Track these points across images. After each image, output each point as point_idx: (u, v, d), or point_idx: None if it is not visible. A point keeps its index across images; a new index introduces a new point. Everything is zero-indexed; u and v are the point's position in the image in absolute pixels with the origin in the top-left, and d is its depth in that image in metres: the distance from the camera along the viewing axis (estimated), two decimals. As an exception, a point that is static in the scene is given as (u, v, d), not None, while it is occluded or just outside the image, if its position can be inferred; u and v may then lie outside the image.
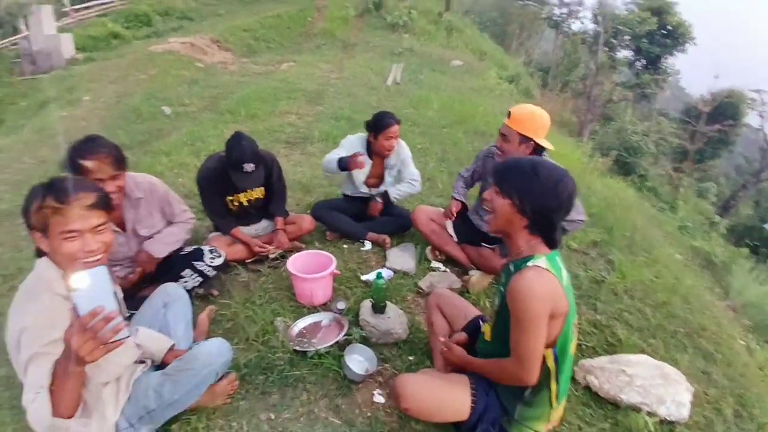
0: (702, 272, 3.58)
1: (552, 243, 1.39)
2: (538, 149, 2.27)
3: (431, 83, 8.88)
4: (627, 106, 14.64)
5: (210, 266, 2.29)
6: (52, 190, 1.23)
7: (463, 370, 1.61)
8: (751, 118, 13.35)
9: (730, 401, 1.92)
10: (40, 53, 9.53)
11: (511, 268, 1.40)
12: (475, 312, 1.88)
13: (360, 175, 2.97)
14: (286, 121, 5.86)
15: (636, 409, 1.77)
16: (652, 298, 2.57)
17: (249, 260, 2.68)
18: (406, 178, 2.98)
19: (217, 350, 1.59)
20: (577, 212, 2.26)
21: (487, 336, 1.58)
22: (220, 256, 2.34)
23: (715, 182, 14.07)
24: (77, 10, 12.96)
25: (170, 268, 2.22)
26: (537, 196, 1.32)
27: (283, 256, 2.76)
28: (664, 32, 13.63)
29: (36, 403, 1.09)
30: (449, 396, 1.50)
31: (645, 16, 13.26)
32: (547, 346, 1.37)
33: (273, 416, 1.73)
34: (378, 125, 2.80)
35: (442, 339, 1.75)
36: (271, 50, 12.08)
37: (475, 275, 2.57)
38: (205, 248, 2.33)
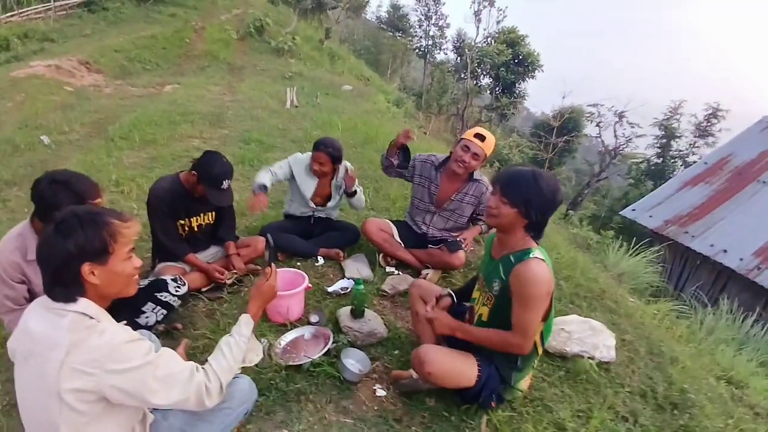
0: (584, 252, 4.45)
1: (540, 237, 1.72)
2: None
3: (329, 106, 9.18)
4: (492, 125, 16.95)
5: (175, 295, 2.17)
6: (112, 214, 1.19)
7: (457, 341, 1.85)
8: (589, 129, 16.67)
9: (642, 343, 2.51)
10: None
11: (512, 259, 1.68)
12: (450, 299, 2.15)
13: (307, 194, 3.08)
14: (190, 145, 5.56)
15: (579, 357, 2.22)
16: (561, 274, 3.16)
17: (205, 288, 2.57)
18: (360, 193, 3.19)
19: (248, 387, 1.58)
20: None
21: (485, 317, 1.83)
22: (184, 285, 2.23)
23: (563, 184, 17.05)
24: None
25: (128, 303, 2.05)
26: (539, 204, 1.62)
27: (240, 281, 2.72)
28: (517, 61, 16.30)
29: (210, 375, 1.28)
30: (462, 364, 1.75)
31: (501, 48, 15.78)
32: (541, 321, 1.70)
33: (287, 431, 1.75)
34: (313, 147, 2.97)
35: (428, 308, 1.91)
36: (148, 72, 11.17)
37: (429, 273, 2.87)
38: (167, 277, 2.20)
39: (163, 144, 5.42)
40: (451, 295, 2.03)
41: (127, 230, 1.21)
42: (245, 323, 1.49)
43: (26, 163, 4.70)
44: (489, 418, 1.82)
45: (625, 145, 16.18)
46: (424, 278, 2.82)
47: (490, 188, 2.83)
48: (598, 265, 3.96)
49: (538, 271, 1.60)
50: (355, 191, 3.11)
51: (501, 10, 19.00)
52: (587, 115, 16.35)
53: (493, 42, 16.43)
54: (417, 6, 24.51)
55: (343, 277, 2.85)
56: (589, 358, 2.22)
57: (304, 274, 2.45)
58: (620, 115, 15.79)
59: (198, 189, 2.42)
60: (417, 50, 26.40)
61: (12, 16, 13.03)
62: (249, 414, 1.67)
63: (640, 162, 15.60)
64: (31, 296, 1.81)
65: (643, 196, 10.08)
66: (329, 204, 3.17)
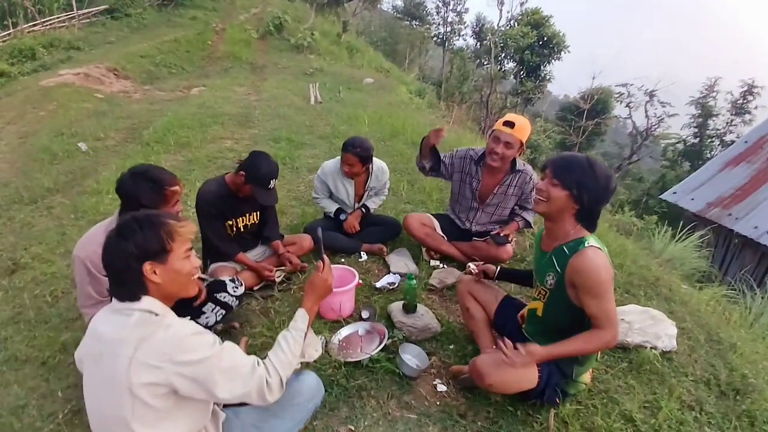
0: (630, 239, 4.32)
1: (593, 228, 1.68)
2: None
3: (352, 101, 9.17)
4: (517, 111, 16.58)
5: (234, 296, 2.22)
6: (167, 215, 1.24)
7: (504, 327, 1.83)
8: (618, 110, 16.12)
9: (701, 330, 2.43)
10: None
11: (565, 250, 1.64)
12: (502, 293, 2.13)
13: (347, 199, 3.10)
14: (223, 146, 5.65)
15: (641, 347, 2.16)
16: (612, 262, 3.06)
17: (256, 287, 2.62)
18: (380, 193, 3.25)
19: (316, 384, 1.62)
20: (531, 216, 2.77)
21: (539, 312, 1.81)
22: (241, 285, 2.27)
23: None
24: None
25: (190, 305, 2.11)
26: (593, 189, 1.58)
27: (288, 279, 2.76)
28: (542, 43, 15.84)
29: (270, 370, 1.30)
30: (521, 370, 1.71)
31: (526, 30, 15.34)
32: None
33: (353, 428, 1.77)
34: (342, 148, 2.94)
35: (506, 351, 1.63)
36: (174, 76, 11.41)
37: (477, 264, 2.83)
38: (225, 278, 2.25)
39: (197, 146, 5.52)
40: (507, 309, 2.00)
41: (183, 229, 1.25)
42: (301, 318, 1.49)
43: (66, 170, 4.86)
44: (556, 412, 1.79)
45: (656, 126, 15.56)
46: (470, 272, 2.79)
47: (535, 177, 2.77)
48: (645, 251, 3.83)
49: (598, 258, 1.55)
50: (366, 210, 3.14)
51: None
52: (616, 95, 15.77)
53: (516, 24, 16.00)
54: (435, -9, 24.07)
55: (389, 272, 2.86)
56: (651, 348, 2.15)
57: (354, 271, 2.47)
58: (651, 95, 15.18)
59: (244, 189, 2.45)
60: (435, 38, 25.97)
61: (35, 25, 13.42)
62: (317, 409, 1.69)
63: (676, 142, 14.96)
64: None
65: (680, 178, 9.70)
66: (363, 199, 3.17)
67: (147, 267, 1.18)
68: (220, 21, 16.76)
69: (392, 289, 2.67)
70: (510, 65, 17.34)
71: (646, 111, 15.20)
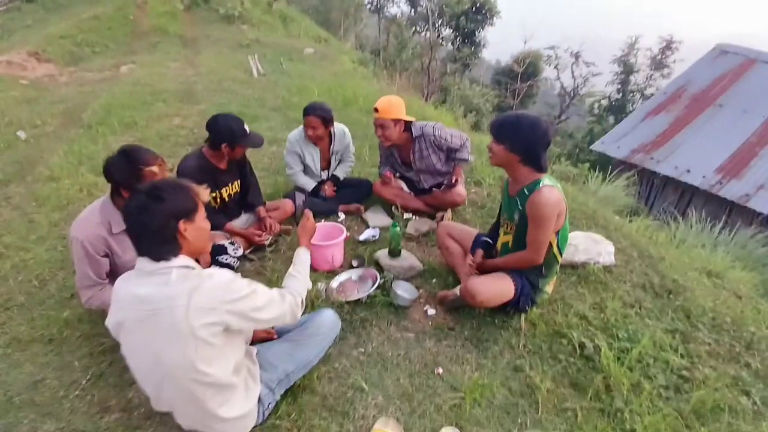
0: (568, 184, 4.89)
1: (543, 168, 2.01)
2: (407, 123, 2.93)
3: (297, 72, 9.05)
4: (456, 77, 17.05)
5: (234, 257, 2.38)
6: (192, 186, 1.42)
7: (487, 270, 2.20)
8: (547, 73, 17.10)
9: (633, 249, 2.94)
10: None
11: (526, 191, 1.98)
12: (475, 231, 2.48)
13: (314, 165, 3.27)
14: (173, 124, 5.50)
15: (586, 263, 2.63)
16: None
17: (248, 251, 2.78)
18: (346, 159, 3.46)
19: (334, 317, 1.88)
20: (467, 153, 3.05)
21: (510, 244, 2.17)
22: (240, 246, 2.44)
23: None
24: None
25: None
26: (522, 137, 1.92)
27: (276, 241, 2.94)
28: (475, 9, 16.25)
29: (294, 294, 1.61)
30: (502, 285, 2.08)
31: (460, -4, 15.64)
32: (554, 233, 2.02)
33: (363, 350, 2.06)
34: (303, 115, 3.10)
35: (469, 262, 2.28)
36: (98, 54, 10.49)
37: (443, 213, 3.17)
38: (224, 242, 2.39)
39: (144, 126, 5.34)
40: (488, 242, 2.34)
41: (203, 191, 1.44)
42: (303, 252, 1.82)
43: (11, 160, 4.54)
44: (526, 316, 2.19)
45: (582, 85, 16.72)
46: (442, 219, 3.13)
47: (440, 132, 2.98)
48: (582, 193, 4.39)
49: (549, 195, 1.91)
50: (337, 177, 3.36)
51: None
52: (545, 59, 16.71)
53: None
54: (364, -43, 23.55)
55: (368, 227, 3.12)
56: (595, 263, 2.62)
57: (342, 227, 2.70)
58: (576, 56, 16.23)
59: (233, 154, 2.55)
60: (369, 5, 25.62)
61: None
62: (337, 339, 1.96)
63: (601, 99, 16.22)
64: (112, 270, 1.97)
65: (606, 132, 10.66)
66: (331, 168, 3.39)
67: (181, 225, 1.35)
68: (139, -8, 15.41)
69: (374, 240, 2.94)
70: (446, 32, 17.68)
71: (572, 72, 16.30)
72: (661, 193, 8.05)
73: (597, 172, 5.51)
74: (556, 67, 16.53)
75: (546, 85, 19.83)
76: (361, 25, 30.51)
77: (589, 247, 2.69)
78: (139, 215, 1.31)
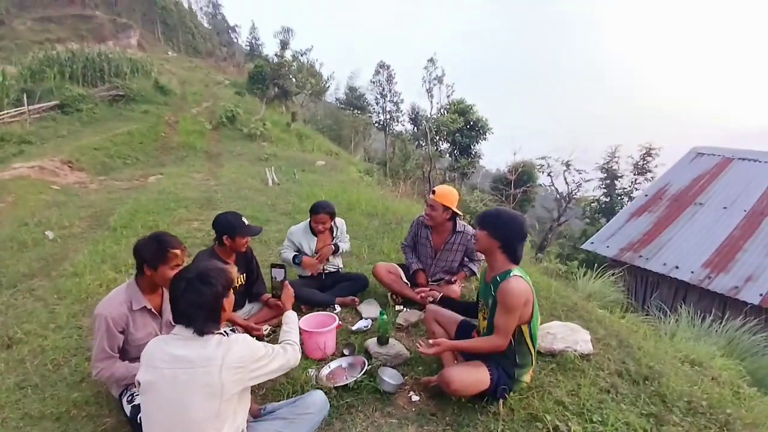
0: (555, 279, 5.10)
1: (516, 260, 2.32)
2: (455, 214, 3.44)
3: (308, 181, 9.95)
4: (455, 184, 18.32)
5: (233, 342, 2.59)
6: (228, 268, 1.81)
7: (452, 351, 2.42)
8: (542, 179, 18.41)
9: (613, 338, 3.08)
10: None
11: (498, 279, 2.26)
12: (460, 318, 2.70)
13: (310, 252, 3.64)
14: (191, 227, 6.01)
15: (564, 351, 2.77)
16: (539, 295, 3.74)
17: (247, 339, 2.98)
18: (343, 239, 3.82)
19: (323, 400, 2.05)
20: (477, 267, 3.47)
21: (483, 328, 2.39)
22: (235, 330, 2.65)
23: (528, 232, 18.21)
24: None
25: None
26: (502, 227, 2.27)
27: (274, 332, 3.15)
28: (469, 127, 18.22)
29: (294, 346, 1.96)
30: (477, 374, 2.25)
31: (454, 117, 17.76)
32: (524, 323, 2.24)
33: (346, 435, 2.16)
34: (311, 212, 3.59)
35: (424, 345, 2.38)
36: (129, 166, 11.73)
37: (430, 306, 3.39)
38: (226, 329, 2.62)
39: (165, 228, 5.83)
40: (473, 325, 2.59)
41: (234, 271, 1.83)
42: (290, 313, 2.23)
43: (37, 257, 4.98)
44: (504, 402, 2.30)
45: (576, 190, 17.78)
46: (432, 300, 3.32)
47: (472, 233, 3.50)
48: (569, 289, 4.61)
49: (517, 285, 2.18)
50: (337, 248, 3.69)
51: (449, 86, 21.68)
52: (538, 167, 18.15)
53: (446, 112, 18.42)
54: (372, 87, 27.08)
55: (361, 318, 3.33)
56: (572, 351, 2.77)
57: (335, 316, 2.94)
58: (567, 164, 17.56)
59: (235, 246, 2.91)
60: (376, 124, 28.61)
61: None
62: (325, 419, 2.08)
63: (591, 202, 17.19)
64: (123, 347, 2.19)
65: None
66: (331, 258, 3.73)
67: (225, 302, 1.69)
68: (172, 114, 17.60)
69: (366, 330, 3.14)
70: (445, 146, 19.56)
71: (565, 179, 17.52)
72: (655, 291, 8.15)
73: (587, 269, 5.76)
74: (549, 174, 17.84)
75: (543, 190, 21.03)
76: (369, 140, 33.63)
77: (566, 335, 2.86)
78: (191, 295, 1.62)
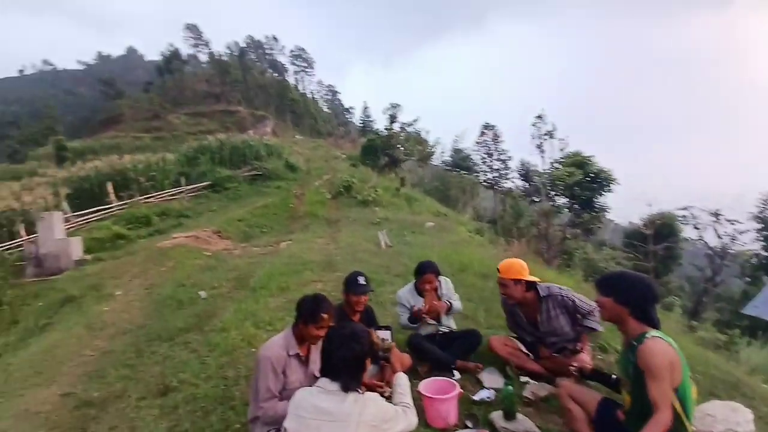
0: (714, 352, 4.20)
1: (651, 324, 2.03)
2: (530, 283, 3.15)
3: (418, 242, 10.14)
4: (578, 241, 16.83)
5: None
6: (371, 331, 2.01)
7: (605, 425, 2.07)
8: (688, 232, 15.94)
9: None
10: (48, 256, 9.98)
11: (634, 343, 2.00)
12: (599, 395, 2.37)
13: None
14: (316, 287, 6.46)
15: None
16: (696, 370, 3.14)
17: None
18: (454, 297, 3.75)
19: None
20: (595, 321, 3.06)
21: (627, 404, 2.07)
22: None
23: (675, 296, 15.54)
24: (77, 216, 14.01)
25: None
26: (628, 291, 2.04)
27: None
28: (589, 179, 17.00)
29: (410, 408, 2.01)
30: None
31: (571, 170, 16.77)
32: (672, 390, 1.89)
33: None
34: (416, 273, 3.65)
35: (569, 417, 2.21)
36: (264, 234, 13.35)
37: (564, 380, 3.03)
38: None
39: (294, 289, 6.39)
40: (617, 404, 2.26)
41: (374, 335, 1.92)
42: (401, 375, 2.26)
43: (192, 313, 5.82)
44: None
45: (731, 244, 14.91)
46: (571, 373, 2.97)
47: (568, 293, 3.17)
48: (730, 362, 3.79)
49: (655, 345, 1.90)
50: (450, 305, 3.58)
51: (562, 139, 20.88)
52: (680, 218, 15.81)
53: (560, 166, 17.56)
54: (478, 147, 27.44)
55: (483, 387, 3.13)
56: (734, 433, 2.23)
57: (454, 382, 2.81)
58: (716, 215, 15.00)
59: (348, 303, 3.08)
60: (484, 182, 28.47)
61: (149, 198, 16.73)
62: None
63: (750, 258, 14.12)
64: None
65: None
66: (444, 319, 3.65)
67: (367, 362, 1.85)
68: (299, 187, 19.94)
69: (489, 401, 2.92)
70: (562, 200, 18.39)
71: (715, 231, 14.85)
72: None
73: (750, 338, 4.66)
74: (696, 227, 15.37)
75: (690, 245, 18.12)
76: (477, 199, 33.44)
77: (727, 416, 2.40)
78: (343, 352, 1.82)
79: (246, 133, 35.60)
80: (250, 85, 64.89)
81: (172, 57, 63.51)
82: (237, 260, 9.51)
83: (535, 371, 3.21)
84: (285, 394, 2.40)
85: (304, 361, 2.55)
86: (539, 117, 22.06)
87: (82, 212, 14.53)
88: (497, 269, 3.18)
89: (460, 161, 30.18)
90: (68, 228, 12.24)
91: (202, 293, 6.62)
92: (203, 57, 70.83)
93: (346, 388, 1.75)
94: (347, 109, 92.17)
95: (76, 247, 10.40)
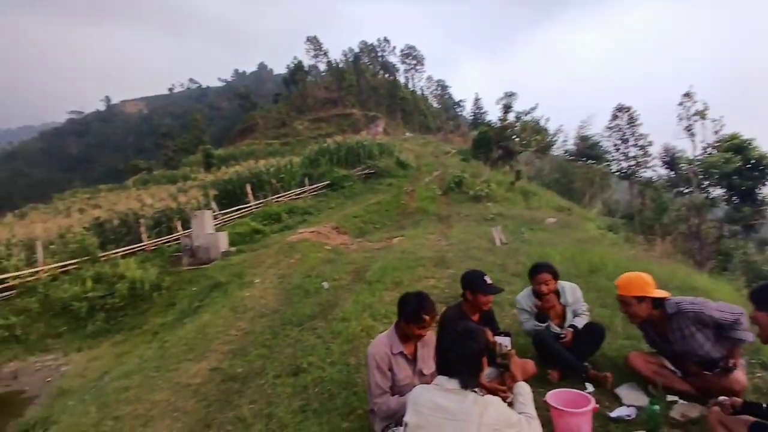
0: None
1: None
2: (657, 299, 2.68)
3: (537, 240, 9.49)
4: (738, 240, 13.99)
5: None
6: (487, 330, 1.92)
7: None
8: None
9: None
10: (200, 248, 11.80)
11: None
12: (750, 419, 2.01)
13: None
14: (428, 284, 6.49)
15: None
16: None
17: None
18: (579, 311, 3.37)
19: None
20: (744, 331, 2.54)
21: None
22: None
23: None
24: (223, 214, 16.37)
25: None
26: None
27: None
28: (750, 166, 13.98)
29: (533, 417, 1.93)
30: None
31: (727, 156, 13.96)
32: None
33: None
34: (530, 274, 3.36)
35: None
36: (378, 230, 13.90)
37: (724, 399, 2.53)
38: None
39: (408, 285, 6.50)
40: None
41: (490, 334, 1.83)
42: (523, 384, 2.15)
43: (317, 302, 6.31)
44: None
45: None
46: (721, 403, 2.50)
47: (697, 306, 2.65)
48: None
49: None
50: (575, 328, 3.24)
51: (716, 120, 17.48)
52: None
53: (714, 152, 14.74)
54: (609, 133, 24.50)
55: (621, 405, 2.78)
56: None
57: (590, 396, 2.54)
58: None
59: (475, 304, 2.96)
60: (617, 172, 25.39)
61: (279, 197, 18.66)
62: None
63: None
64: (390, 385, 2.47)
65: None
66: (565, 324, 3.32)
67: (484, 360, 1.81)
68: (410, 184, 20.28)
69: (628, 420, 2.59)
70: (717, 192, 15.42)
71: None
72: None
73: None
74: None
75: None
76: (608, 192, 30.01)
77: None
78: (459, 349, 1.81)
79: (360, 134, 37.53)
80: (363, 88, 68.16)
81: (296, 69, 69.86)
82: (354, 254, 10.05)
83: (684, 391, 2.76)
84: (396, 390, 2.45)
85: (411, 360, 2.56)
86: (687, 95, 18.82)
87: (227, 210, 16.86)
88: (615, 285, 2.82)
89: (587, 149, 27.32)
90: (216, 224, 14.29)
91: (325, 284, 7.14)
92: (322, 66, 76.43)
93: (465, 386, 1.72)
94: (457, 103, 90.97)
95: (222, 241, 12.09)
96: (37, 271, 11.07)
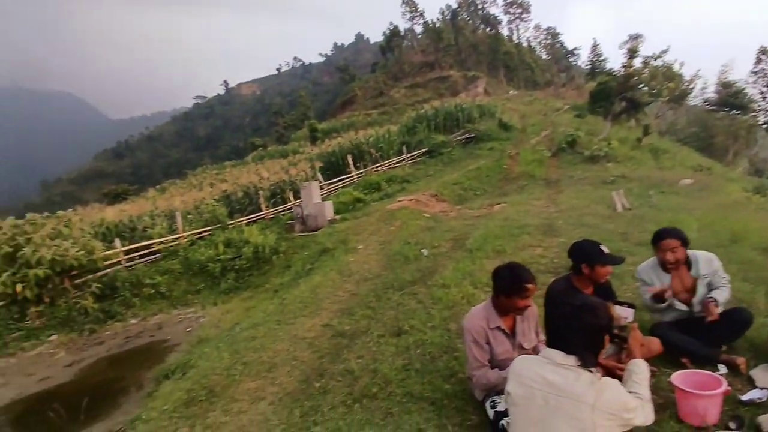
0: None
1: None
2: None
3: (668, 205, 8.36)
4: None
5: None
6: (608, 305, 1.87)
7: None
8: None
9: None
10: (309, 216, 12.80)
11: None
12: None
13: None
14: (535, 253, 6.16)
15: None
16: None
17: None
18: (718, 283, 2.88)
19: None
20: None
21: None
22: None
23: None
24: (328, 184, 17.47)
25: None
26: None
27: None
28: None
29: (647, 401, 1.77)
30: None
31: None
32: None
33: None
34: (653, 241, 2.93)
35: None
36: (478, 197, 13.52)
37: None
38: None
39: (511, 253, 6.27)
40: None
41: (613, 309, 1.77)
42: (640, 362, 1.92)
43: (416, 269, 6.44)
44: None
45: None
46: None
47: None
48: None
49: None
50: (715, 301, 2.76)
51: None
52: None
53: None
54: (755, 78, 19.93)
55: (754, 387, 2.42)
56: None
57: (721, 378, 2.25)
58: None
59: (594, 276, 2.69)
60: (766, 125, 20.77)
61: (378, 166, 19.09)
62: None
63: None
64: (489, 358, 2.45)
65: None
66: (695, 299, 2.88)
67: (607, 337, 1.71)
68: (513, 147, 19.12)
69: (760, 402, 2.26)
70: None
71: None
72: None
73: None
74: None
75: None
76: (755, 148, 24.85)
77: None
78: (575, 323, 1.68)
79: (458, 96, 36.16)
80: (461, 46, 65.01)
81: (392, 35, 69.15)
82: (453, 222, 9.97)
83: None
84: (495, 363, 2.42)
85: (509, 334, 2.48)
86: None
87: (331, 181, 17.88)
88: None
89: (730, 98, 22.67)
90: (322, 194, 15.28)
91: (424, 251, 7.25)
92: (418, 29, 74.36)
93: (585, 364, 1.62)
94: (571, 52, 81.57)
95: (328, 209, 12.93)
96: (177, 238, 12.99)
